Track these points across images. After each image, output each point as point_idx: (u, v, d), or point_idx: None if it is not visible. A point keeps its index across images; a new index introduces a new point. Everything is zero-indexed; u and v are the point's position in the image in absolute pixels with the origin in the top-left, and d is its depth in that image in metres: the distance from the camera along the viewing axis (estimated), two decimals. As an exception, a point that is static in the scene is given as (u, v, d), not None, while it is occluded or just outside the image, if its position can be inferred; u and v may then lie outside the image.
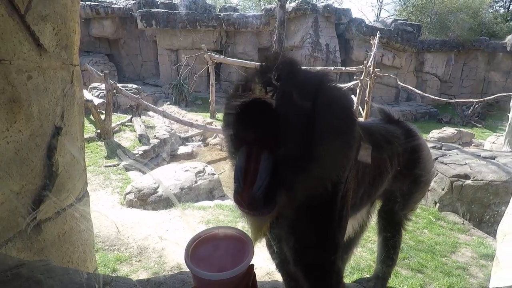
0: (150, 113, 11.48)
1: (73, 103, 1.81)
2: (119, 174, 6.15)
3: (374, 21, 20.12)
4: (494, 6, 20.36)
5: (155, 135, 8.61)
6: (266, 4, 18.95)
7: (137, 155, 7.17)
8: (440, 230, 4.42)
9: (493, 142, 9.48)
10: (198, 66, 13.61)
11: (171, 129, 9.43)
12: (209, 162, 7.57)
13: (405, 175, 1.42)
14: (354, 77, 11.74)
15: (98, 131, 7.69)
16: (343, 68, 12.91)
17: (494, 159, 5.41)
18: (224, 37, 16.60)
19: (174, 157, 8.36)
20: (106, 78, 7.86)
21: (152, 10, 15.72)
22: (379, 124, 1.54)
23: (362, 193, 1.23)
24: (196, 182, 5.40)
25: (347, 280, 2.49)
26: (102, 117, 7.71)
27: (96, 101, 7.93)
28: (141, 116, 9.66)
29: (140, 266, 3.51)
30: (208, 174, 5.69)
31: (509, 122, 8.49)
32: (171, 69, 16.47)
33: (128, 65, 17.92)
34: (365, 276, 1.97)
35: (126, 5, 16.75)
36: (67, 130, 1.76)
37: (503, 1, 20.58)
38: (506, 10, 20.31)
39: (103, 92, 9.60)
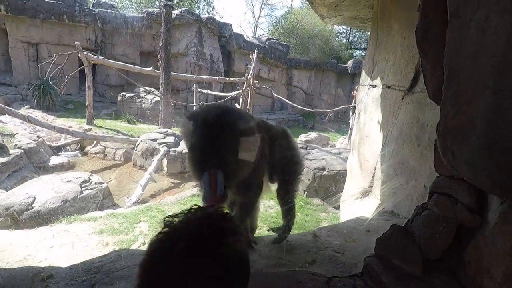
0: (3, 118, 9.47)
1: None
2: (-30, 192, 4.99)
3: (252, 37, 22.21)
4: (339, 36, 25.70)
5: (16, 144, 7.21)
6: (148, 7, 18.30)
7: (-7, 169, 5.91)
8: (308, 211, 5.56)
9: (342, 143, 12.14)
10: (66, 65, 11.97)
11: (38, 137, 8.05)
12: (92, 172, 6.93)
13: (284, 155, 2.26)
14: (237, 87, 12.81)
15: None
16: (227, 78, 13.89)
17: (340, 154, 7.11)
18: (100, 36, 15.17)
19: (44, 169, 7.20)
20: None
21: (1, -8, 12.93)
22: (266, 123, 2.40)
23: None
24: (81, 192, 4.97)
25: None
26: None
27: None
28: (-8, 121, 7.89)
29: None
30: (96, 183, 5.32)
31: (350, 127, 11.13)
32: (29, 66, 13.91)
33: (-40, 57, 14.09)
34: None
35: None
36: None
37: (345, 33, 26.26)
38: (347, 40, 26.03)
39: None
